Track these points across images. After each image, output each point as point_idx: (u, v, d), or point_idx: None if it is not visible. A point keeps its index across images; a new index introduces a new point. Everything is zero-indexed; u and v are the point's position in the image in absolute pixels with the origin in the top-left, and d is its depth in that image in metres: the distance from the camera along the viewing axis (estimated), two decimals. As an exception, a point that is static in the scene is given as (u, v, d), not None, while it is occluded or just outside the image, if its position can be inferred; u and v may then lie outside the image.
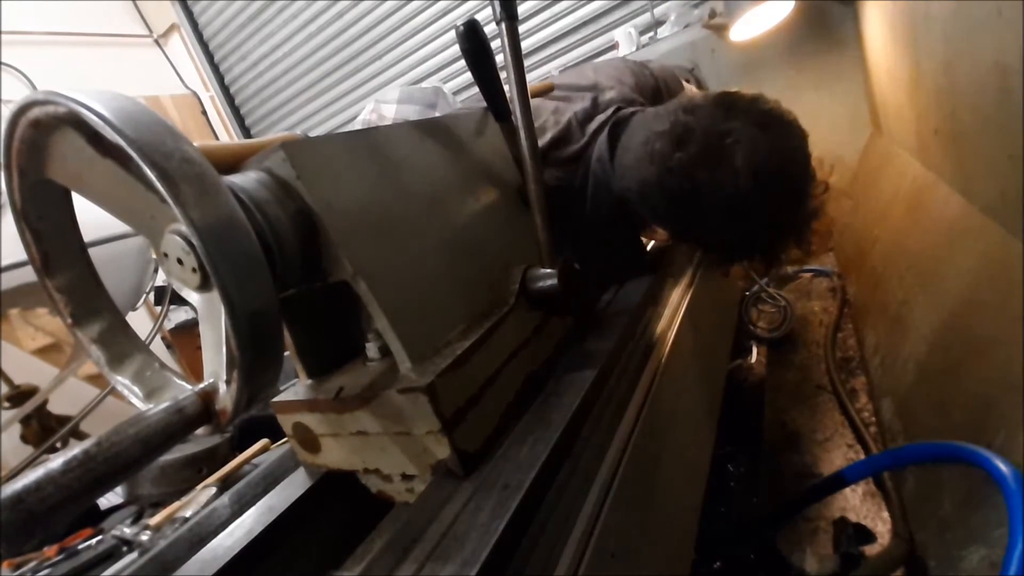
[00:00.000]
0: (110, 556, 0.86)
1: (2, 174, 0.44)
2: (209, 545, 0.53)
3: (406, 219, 0.54)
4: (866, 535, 0.90)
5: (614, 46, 2.32)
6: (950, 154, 1.10)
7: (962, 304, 0.93)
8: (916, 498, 0.87)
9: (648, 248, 1.04)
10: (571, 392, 0.56)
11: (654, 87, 1.01)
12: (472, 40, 0.66)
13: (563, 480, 0.49)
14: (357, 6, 3.10)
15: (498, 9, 0.64)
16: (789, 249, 0.79)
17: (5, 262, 1.32)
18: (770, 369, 1.55)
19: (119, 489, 1.07)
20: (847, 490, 0.99)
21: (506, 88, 0.67)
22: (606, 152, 0.84)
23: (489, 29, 0.65)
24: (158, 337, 2.68)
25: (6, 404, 1.59)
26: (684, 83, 1.15)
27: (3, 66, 2.90)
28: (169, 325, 3.04)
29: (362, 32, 3.16)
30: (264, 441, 0.96)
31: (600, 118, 0.86)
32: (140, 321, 2.77)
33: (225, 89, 3.80)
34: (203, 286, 0.39)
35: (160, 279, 1.81)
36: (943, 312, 0.99)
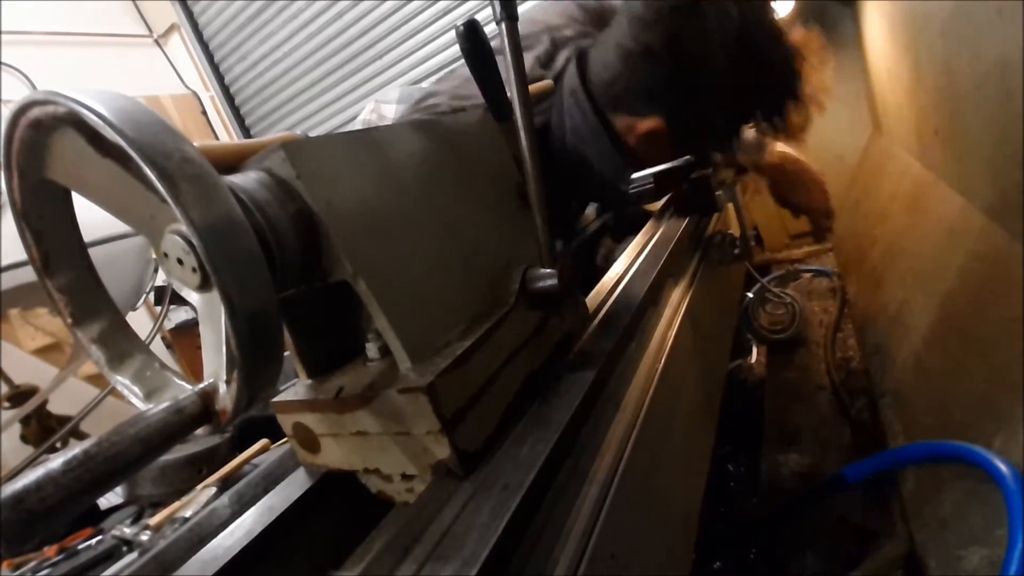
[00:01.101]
0: (110, 556, 0.86)
1: (2, 174, 0.44)
2: (209, 545, 0.53)
3: (406, 219, 0.54)
4: (866, 535, 0.90)
5: (614, 46, 2.32)
6: (950, 154, 1.10)
7: (962, 304, 0.93)
8: (916, 498, 0.87)
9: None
10: (571, 392, 0.56)
11: (599, 10, 1.00)
12: (472, 40, 0.66)
13: (563, 480, 0.49)
14: (357, 6, 3.10)
15: (498, 9, 0.64)
16: (789, 109, 0.78)
17: (5, 262, 1.32)
18: (770, 369, 1.55)
19: (119, 489, 1.07)
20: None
21: (506, 88, 0.67)
22: (576, 80, 0.82)
23: (489, 29, 0.65)
24: (158, 337, 2.68)
25: (6, 404, 1.59)
26: None
27: (3, 66, 2.89)
28: (169, 325, 3.04)
29: (362, 32, 3.16)
30: (264, 441, 0.96)
31: (564, 54, 0.85)
32: (140, 321, 2.77)
33: (225, 89, 3.80)
34: (203, 286, 0.39)
35: (160, 279, 1.81)
36: (943, 312, 0.99)
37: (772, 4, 0.78)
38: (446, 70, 2.97)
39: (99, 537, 0.92)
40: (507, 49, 0.65)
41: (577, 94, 0.82)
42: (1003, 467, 0.64)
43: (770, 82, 0.77)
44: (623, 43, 0.77)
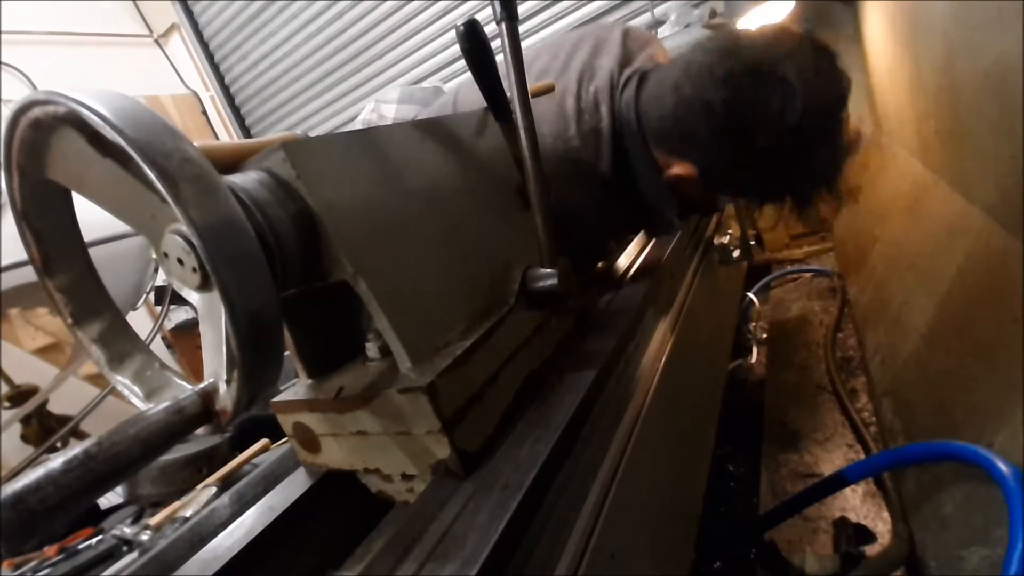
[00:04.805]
0: (110, 556, 0.86)
1: (2, 174, 0.44)
2: (209, 545, 0.53)
3: (406, 219, 0.54)
4: (866, 535, 0.90)
5: (614, 46, 2.32)
6: (950, 154, 1.10)
7: (962, 304, 0.93)
8: (916, 498, 0.87)
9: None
10: (571, 392, 0.56)
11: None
12: (472, 40, 0.66)
13: (563, 480, 0.49)
14: (357, 6, 3.10)
15: (498, 9, 0.64)
16: (821, 193, 0.76)
17: (5, 262, 1.32)
18: (770, 369, 1.55)
19: (119, 489, 1.07)
20: (847, 490, 0.99)
21: (506, 88, 0.67)
22: (632, 103, 0.79)
23: (489, 29, 0.64)
24: (158, 337, 2.68)
25: (6, 404, 1.59)
26: None
27: (3, 66, 2.89)
28: (169, 325, 3.04)
29: (362, 32, 3.16)
30: (264, 441, 0.96)
31: (630, 70, 0.83)
32: (140, 321, 2.77)
33: (225, 89, 3.80)
34: (203, 286, 0.39)
35: (160, 279, 1.81)
36: (943, 312, 0.99)
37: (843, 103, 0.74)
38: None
39: (99, 537, 0.92)
40: (507, 49, 0.65)
41: (631, 123, 0.80)
42: (1003, 467, 0.64)
43: (810, 173, 0.75)
44: (683, 88, 0.74)
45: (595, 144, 0.80)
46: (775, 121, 0.69)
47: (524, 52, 0.95)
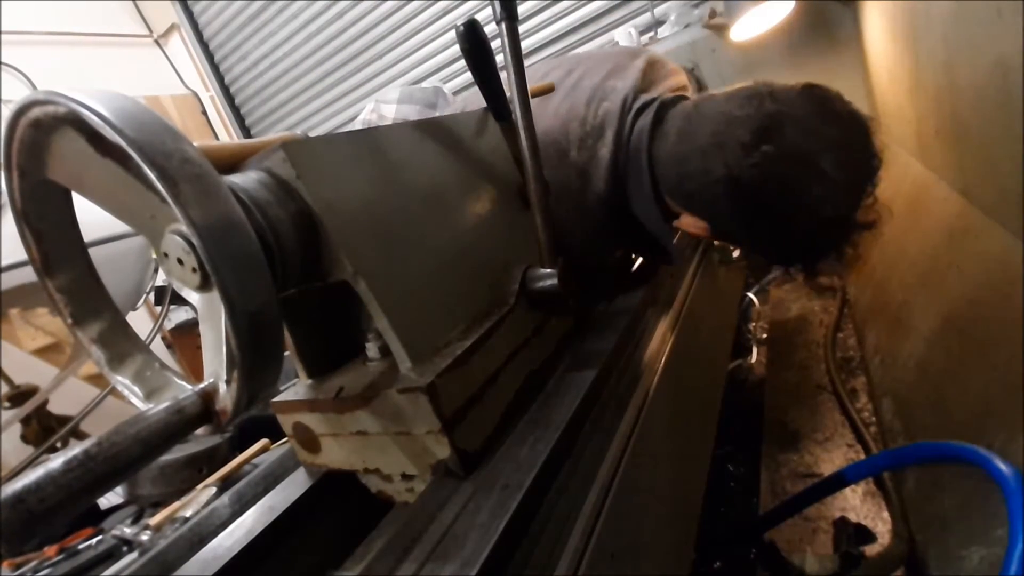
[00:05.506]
0: (110, 556, 0.86)
1: (2, 174, 0.44)
2: (209, 545, 0.53)
3: (406, 219, 0.54)
4: (866, 535, 0.90)
5: (614, 46, 2.32)
6: (950, 154, 1.10)
7: (962, 304, 0.93)
8: (916, 498, 0.87)
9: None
10: (571, 392, 0.56)
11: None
12: (472, 40, 0.66)
13: (563, 480, 0.49)
14: (357, 6, 3.10)
15: (498, 9, 0.64)
16: (827, 261, 0.75)
17: (5, 262, 1.32)
18: (770, 369, 1.55)
19: (119, 489, 1.07)
20: (847, 490, 0.99)
21: (506, 88, 0.67)
22: (644, 146, 0.77)
23: (489, 29, 0.65)
24: (158, 337, 2.68)
25: (6, 404, 1.59)
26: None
27: (3, 66, 2.89)
28: (169, 325, 3.04)
29: (362, 32, 3.16)
30: (264, 441, 0.96)
31: (649, 97, 0.81)
32: (140, 321, 2.77)
33: (225, 89, 3.80)
34: (203, 286, 0.39)
35: (160, 279, 1.81)
36: (943, 312, 0.99)
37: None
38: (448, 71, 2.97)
39: (99, 537, 0.92)
40: (507, 49, 0.65)
41: (640, 159, 0.77)
42: (1003, 467, 0.64)
43: (823, 250, 0.74)
44: (711, 159, 0.70)
45: (590, 174, 0.79)
46: (807, 211, 0.67)
47: (537, 65, 0.95)
